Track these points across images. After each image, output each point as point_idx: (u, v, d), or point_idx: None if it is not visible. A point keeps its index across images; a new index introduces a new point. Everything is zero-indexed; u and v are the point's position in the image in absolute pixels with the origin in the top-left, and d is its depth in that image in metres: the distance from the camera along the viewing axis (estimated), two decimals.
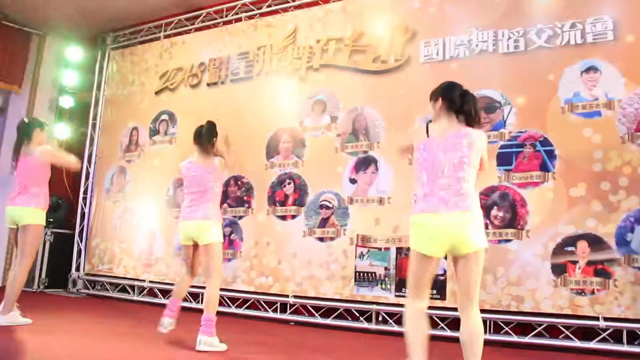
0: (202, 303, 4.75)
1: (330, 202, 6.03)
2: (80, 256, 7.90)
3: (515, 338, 5.01)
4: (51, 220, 7.94)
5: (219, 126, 6.76)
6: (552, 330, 4.98)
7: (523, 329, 5.09)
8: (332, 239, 5.95)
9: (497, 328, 5.13)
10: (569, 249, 4.90)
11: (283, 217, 6.30)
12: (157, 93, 7.65)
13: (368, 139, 5.94)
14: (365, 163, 5.92)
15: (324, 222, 6.03)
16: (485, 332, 5.00)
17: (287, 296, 6.09)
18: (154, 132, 7.57)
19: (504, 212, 5.22)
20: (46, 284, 7.75)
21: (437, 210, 2.94)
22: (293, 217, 6.23)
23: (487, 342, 4.99)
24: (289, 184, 6.32)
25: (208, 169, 4.50)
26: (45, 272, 7.74)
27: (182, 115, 7.30)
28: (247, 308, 6.36)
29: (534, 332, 4.98)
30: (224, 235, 6.53)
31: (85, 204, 8.06)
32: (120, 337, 4.72)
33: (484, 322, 5.07)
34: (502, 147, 5.28)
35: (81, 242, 7.95)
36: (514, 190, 5.19)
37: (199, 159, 4.57)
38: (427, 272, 3.00)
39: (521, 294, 5.03)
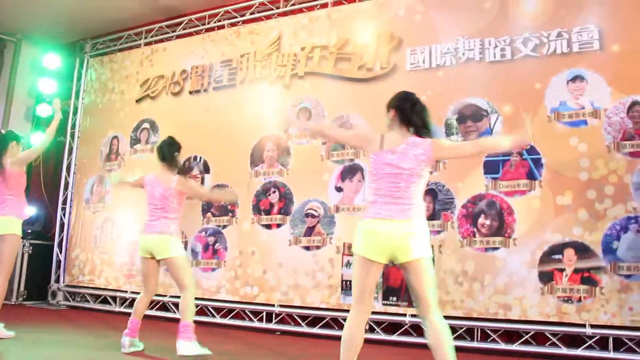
0: None
1: (316, 211, 5.98)
2: (59, 267, 7.71)
3: (502, 346, 5.02)
4: (29, 231, 7.77)
5: (203, 134, 6.71)
6: (539, 338, 4.99)
7: (510, 336, 5.10)
8: (318, 247, 5.90)
9: (484, 336, 5.14)
10: (556, 256, 4.92)
11: (268, 226, 6.23)
12: (137, 101, 7.53)
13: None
14: (351, 171, 5.89)
15: (309, 231, 5.98)
16: (472, 339, 5.09)
17: (273, 305, 6.02)
18: (135, 141, 7.44)
19: (491, 220, 5.22)
20: (25, 297, 7.55)
21: (384, 217, 3.01)
22: (278, 225, 6.16)
23: (474, 350, 5.04)
24: (274, 192, 6.26)
25: (167, 185, 4.49)
26: (23, 285, 7.55)
27: (164, 124, 7.19)
28: (231, 318, 6.27)
29: (521, 340, 4.99)
30: (208, 245, 6.47)
31: (64, 215, 7.87)
32: (106, 348, 4.64)
33: (471, 330, 5.17)
34: (488, 155, 5.28)
35: (60, 253, 7.78)
36: (501, 199, 5.20)
37: (161, 174, 4.57)
38: (370, 277, 3.05)
39: (508, 301, 5.03)
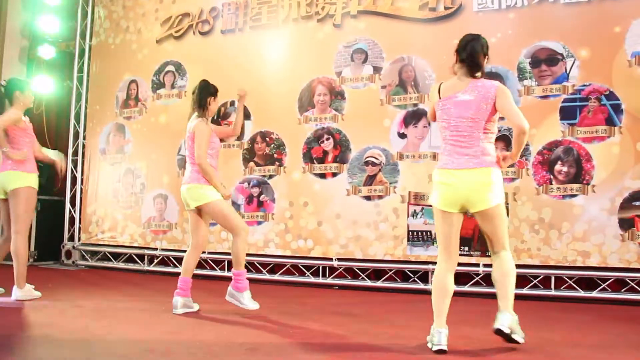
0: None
1: (377, 158, 5.66)
2: (73, 224, 7.07)
3: (581, 293, 4.95)
4: None
5: (239, 77, 6.17)
6: (619, 285, 4.94)
7: (588, 284, 5.04)
8: (380, 197, 5.61)
9: (560, 284, 5.06)
10: (637, 203, 4.86)
11: (322, 175, 5.86)
12: (158, 41, 6.85)
13: (417, 91, 5.59)
14: (415, 117, 5.59)
15: (370, 180, 5.67)
16: (550, 288, 4.99)
17: (331, 259, 5.71)
18: (157, 85, 6.80)
19: (569, 167, 5.09)
20: (36, 257, 6.90)
21: (455, 168, 3.05)
22: (334, 175, 5.81)
23: (552, 298, 4.92)
24: (327, 139, 5.88)
25: (192, 131, 4.18)
26: (34, 244, 6.87)
27: (192, 66, 6.59)
28: (282, 274, 5.92)
29: (600, 287, 4.93)
30: (252, 197, 6.06)
31: (75, 167, 7.17)
32: (153, 310, 4.29)
33: (548, 278, 5.07)
34: (565, 100, 5.12)
35: (73, 209, 7.12)
36: (579, 145, 5.06)
37: (192, 121, 4.25)
38: (452, 228, 3.11)
39: (587, 249, 4.95)
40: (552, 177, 5.11)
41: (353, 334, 3.56)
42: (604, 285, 4.92)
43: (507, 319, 3.02)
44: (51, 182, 7.29)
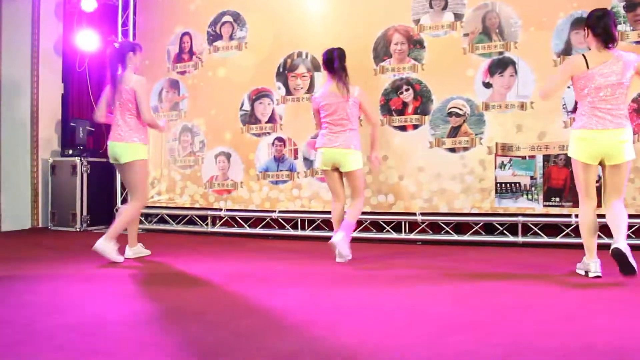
0: None
1: (461, 109, 5.46)
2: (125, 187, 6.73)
3: None
4: (81, 147, 6.71)
5: (307, 26, 5.89)
6: None
7: None
8: (465, 149, 5.42)
9: None
10: None
11: (402, 128, 5.64)
12: None
13: (503, 38, 5.36)
14: (501, 65, 5.37)
15: (454, 132, 5.47)
16: None
17: (414, 214, 5.53)
18: (214, 37, 6.43)
19: None
20: (89, 222, 6.57)
21: (599, 128, 3.57)
22: (415, 127, 5.59)
23: None
24: (406, 90, 5.64)
25: (348, 98, 4.44)
26: (86, 209, 6.54)
27: (253, 15, 6.22)
28: (361, 231, 5.72)
29: None
30: None
31: None
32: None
33: None
34: None
35: None
36: None
37: (336, 88, 4.45)
38: (590, 175, 3.67)
39: None
40: None
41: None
42: None
43: (624, 245, 3.37)
44: (97, 143, 6.95)
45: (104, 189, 6.81)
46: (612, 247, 3.41)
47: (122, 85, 4.35)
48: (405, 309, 2.85)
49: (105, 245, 4.21)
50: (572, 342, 2.26)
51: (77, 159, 6.55)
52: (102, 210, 6.70)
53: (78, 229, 6.49)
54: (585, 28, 3.69)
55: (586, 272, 3.68)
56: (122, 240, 4.42)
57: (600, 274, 3.60)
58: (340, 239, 4.32)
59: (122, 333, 2.42)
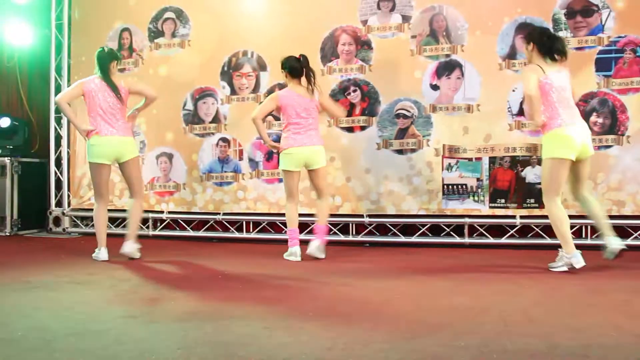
0: None
1: (408, 111, 5.46)
2: (60, 189, 6.37)
3: None
4: (9, 147, 6.32)
5: (253, 25, 5.82)
6: None
7: (623, 232, 5.10)
8: (413, 150, 5.43)
9: (593, 232, 5.10)
10: None
11: (350, 129, 5.59)
12: None
13: (450, 41, 5.41)
14: (448, 68, 5.41)
15: (402, 133, 5.46)
16: (583, 236, 5.02)
17: (362, 216, 5.49)
18: (155, 34, 6.19)
19: (604, 119, 5.11)
20: (19, 226, 6.18)
21: (572, 123, 3.97)
22: (362, 128, 5.55)
23: (585, 247, 4.89)
24: (354, 91, 5.59)
25: (314, 99, 4.70)
26: (16, 212, 6.15)
27: (196, 13, 6.03)
28: (307, 233, 5.61)
29: (634, 235, 5.03)
30: (271, 153, 5.71)
31: (59, 125, 6.42)
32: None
33: (582, 227, 5.10)
34: (600, 52, 5.11)
35: (59, 171, 6.40)
36: (614, 97, 5.08)
37: (305, 90, 4.70)
38: (566, 172, 3.99)
39: (622, 198, 5.03)
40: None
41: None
42: (635, 234, 5.02)
43: (619, 242, 3.88)
44: (27, 142, 6.56)
45: (36, 191, 6.41)
46: (612, 247, 3.92)
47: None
48: (365, 312, 2.77)
49: (133, 246, 4.63)
50: (536, 342, 2.23)
51: (6, 159, 6.16)
52: (34, 214, 6.31)
53: (8, 234, 6.11)
54: (531, 43, 4.09)
55: (571, 266, 3.88)
56: (111, 244, 4.67)
57: (585, 263, 3.84)
58: (318, 247, 4.65)
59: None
